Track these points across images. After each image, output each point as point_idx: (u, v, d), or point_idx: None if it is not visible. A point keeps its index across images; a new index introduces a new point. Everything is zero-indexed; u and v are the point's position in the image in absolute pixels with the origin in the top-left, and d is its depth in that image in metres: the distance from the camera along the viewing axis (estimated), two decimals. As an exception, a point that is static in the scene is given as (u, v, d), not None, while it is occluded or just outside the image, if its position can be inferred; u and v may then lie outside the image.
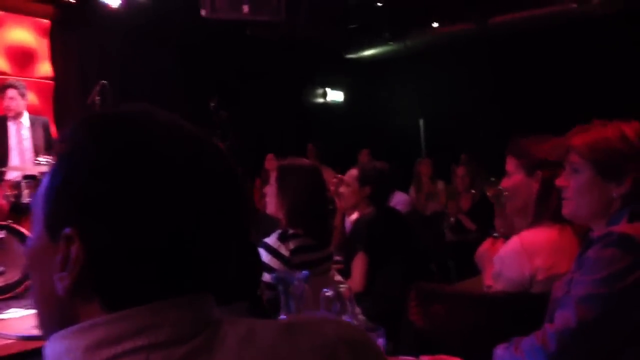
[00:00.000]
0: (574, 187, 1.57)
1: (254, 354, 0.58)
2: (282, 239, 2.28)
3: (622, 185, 1.50)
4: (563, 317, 1.41)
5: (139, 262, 0.59)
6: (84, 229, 0.58)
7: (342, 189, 3.34)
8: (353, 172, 3.26)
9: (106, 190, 0.58)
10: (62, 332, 0.60)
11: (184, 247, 0.60)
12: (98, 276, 0.59)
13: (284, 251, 2.26)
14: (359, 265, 2.97)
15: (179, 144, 0.62)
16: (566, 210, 1.62)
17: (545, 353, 1.38)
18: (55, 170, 0.62)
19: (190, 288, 0.61)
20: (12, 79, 5.10)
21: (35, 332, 1.78)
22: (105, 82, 4.87)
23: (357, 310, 2.39)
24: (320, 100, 9.03)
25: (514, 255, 1.90)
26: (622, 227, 1.47)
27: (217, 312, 0.63)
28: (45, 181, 0.62)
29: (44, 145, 4.78)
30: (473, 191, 5.36)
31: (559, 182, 1.62)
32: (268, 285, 2.02)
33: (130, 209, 0.59)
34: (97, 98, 4.88)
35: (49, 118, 5.28)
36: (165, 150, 0.61)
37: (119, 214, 0.58)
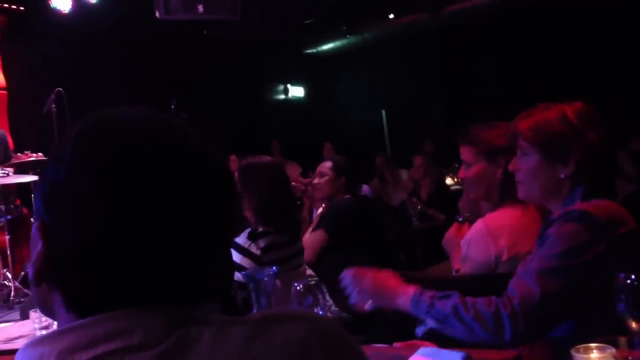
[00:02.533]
0: (525, 170, 1.62)
1: (227, 351, 0.59)
2: (252, 237, 2.28)
3: (568, 166, 1.54)
4: (524, 289, 1.42)
5: (108, 268, 0.60)
6: (48, 226, 0.62)
7: (316, 180, 3.40)
8: (327, 163, 3.34)
9: (72, 195, 0.60)
10: (37, 338, 0.60)
11: (163, 255, 0.60)
12: (64, 277, 0.61)
13: (254, 250, 2.26)
14: (316, 239, 3.04)
15: (163, 149, 0.62)
16: (520, 193, 1.67)
17: (510, 320, 1.39)
18: (44, 172, 0.65)
19: (167, 295, 0.61)
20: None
21: (5, 346, 1.74)
22: (60, 89, 4.77)
23: (329, 301, 2.41)
24: (282, 96, 9.02)
25: (480, 238, 1.94)
26: (581, 205, 1.52)
27: (196, 313, 0.63)
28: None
29: (2, 158, 4.67)
30: (427, 179, 5.48)
31: (511, 166, 1.67)
32: (240, 284, 2.02)
33: (101, 216, 0.59)
34: (54, 106, 4.78)
35: (4, 129, 5.15)
36: (142, 157, 0.61)
37: (86, 218, 0.59)
